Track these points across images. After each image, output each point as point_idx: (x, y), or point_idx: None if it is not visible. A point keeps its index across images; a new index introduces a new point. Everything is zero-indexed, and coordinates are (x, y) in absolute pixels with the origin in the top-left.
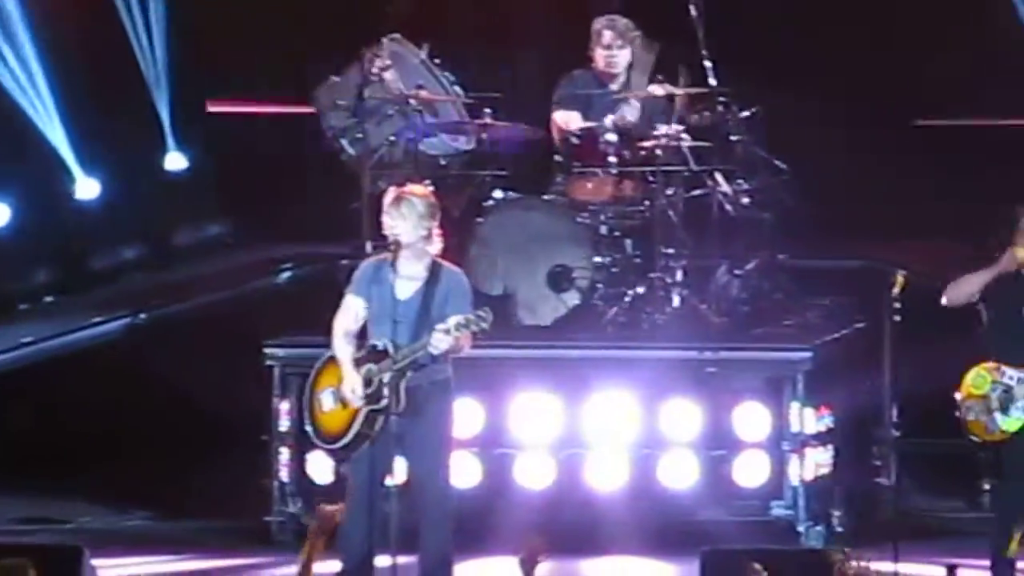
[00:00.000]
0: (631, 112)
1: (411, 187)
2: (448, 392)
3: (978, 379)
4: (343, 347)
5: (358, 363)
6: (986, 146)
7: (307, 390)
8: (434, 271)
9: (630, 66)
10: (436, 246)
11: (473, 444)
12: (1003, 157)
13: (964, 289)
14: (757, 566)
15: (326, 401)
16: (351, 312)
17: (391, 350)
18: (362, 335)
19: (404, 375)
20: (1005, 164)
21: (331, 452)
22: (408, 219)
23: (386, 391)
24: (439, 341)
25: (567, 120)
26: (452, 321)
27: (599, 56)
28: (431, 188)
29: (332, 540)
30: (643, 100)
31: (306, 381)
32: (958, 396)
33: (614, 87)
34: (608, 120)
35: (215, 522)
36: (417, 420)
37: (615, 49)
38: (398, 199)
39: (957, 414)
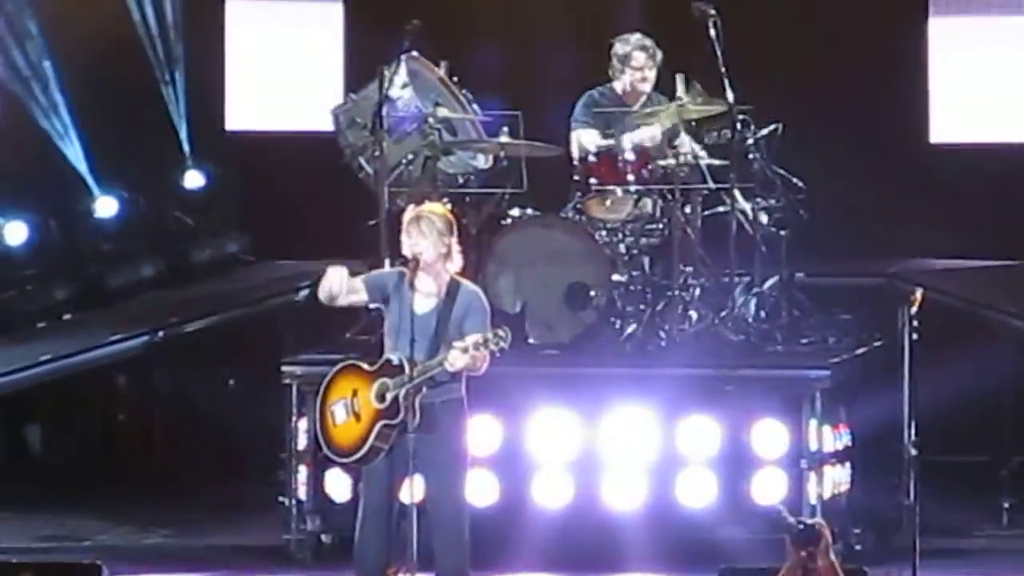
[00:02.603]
0: (650, 135)
1: (430, 205)
2: (462, 410)
3: None
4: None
5: (372, 376)
6: (1004, 166)
7: (318, 402)
8: (452, 288)
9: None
10: (456, 263)
11: (490, 462)
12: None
13: None
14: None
15: (339, 414)
16: (353, 287)
17: (406, 365)
18: (380, 350)
19: (419, 391)
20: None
21: (344, 467)
22: (428, 236)
23: (402, 407)
24: (456, 359)
25: (586, 138)
26: (470, 339)
27: (627, 77)
28: (449, 206)
29: None
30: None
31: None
32: None
33: (636, 107)
34: (627, 139)
35: (233, 540)
36: (430, 438)
37: (646, 71)
38: (418, 217)
39: None
